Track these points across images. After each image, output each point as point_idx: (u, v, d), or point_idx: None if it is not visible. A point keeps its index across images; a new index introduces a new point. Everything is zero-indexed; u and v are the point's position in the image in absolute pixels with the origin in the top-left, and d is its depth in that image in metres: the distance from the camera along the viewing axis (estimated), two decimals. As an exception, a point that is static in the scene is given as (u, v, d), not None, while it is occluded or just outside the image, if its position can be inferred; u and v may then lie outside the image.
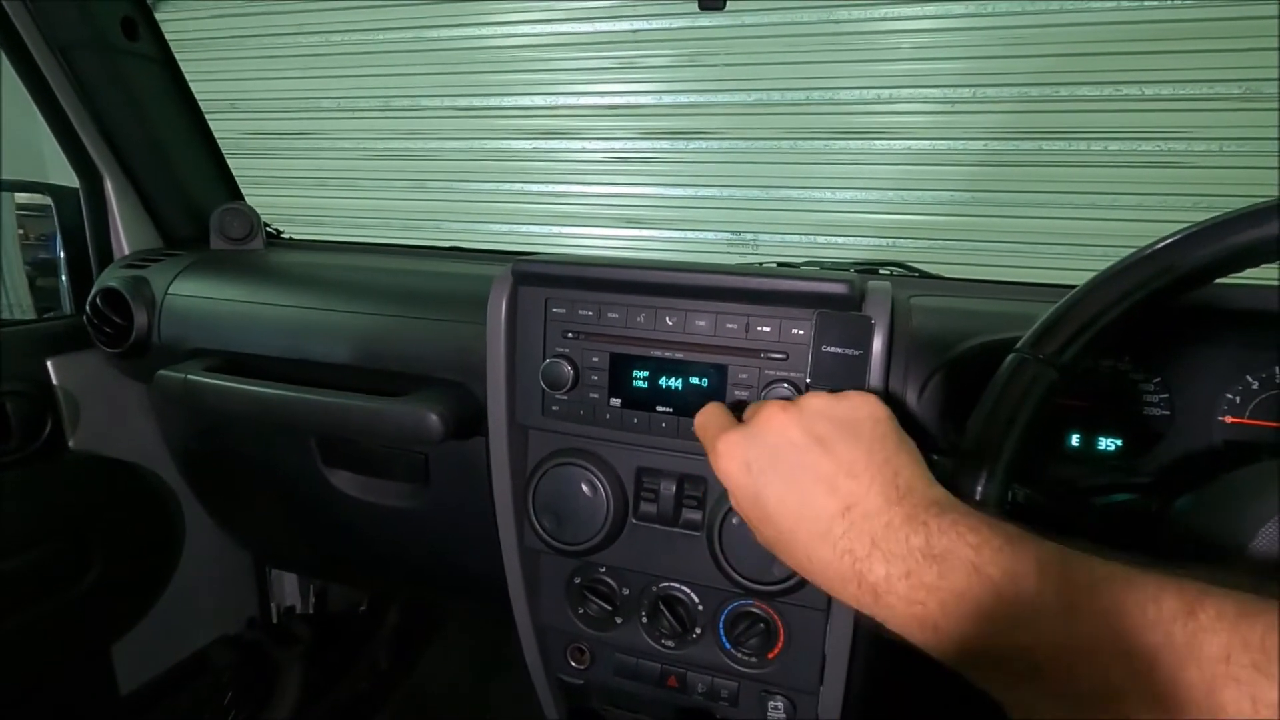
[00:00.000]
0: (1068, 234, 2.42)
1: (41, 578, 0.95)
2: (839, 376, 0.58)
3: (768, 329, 0.61)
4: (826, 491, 0.37)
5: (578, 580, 0.74)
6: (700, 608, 0.70)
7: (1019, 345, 0.43)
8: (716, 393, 0.63)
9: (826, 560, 0.36)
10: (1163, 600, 0.27)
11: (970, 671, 0.31)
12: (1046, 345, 0.41)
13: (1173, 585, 0.27)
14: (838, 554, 0.36)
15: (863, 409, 0.41)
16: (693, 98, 2.73)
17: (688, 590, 0.70)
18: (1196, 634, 0.25)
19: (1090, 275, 0.43)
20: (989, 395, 0.42)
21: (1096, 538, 0.47)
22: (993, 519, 0.33)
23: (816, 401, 0.41)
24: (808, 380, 0.58)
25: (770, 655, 0.68)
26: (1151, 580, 0.28)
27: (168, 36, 1.04)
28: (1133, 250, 0.42)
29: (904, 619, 0.34)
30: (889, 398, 0.61)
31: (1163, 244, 0.40)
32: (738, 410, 0.48)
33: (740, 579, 0.63)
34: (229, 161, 1.17)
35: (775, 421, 0.41)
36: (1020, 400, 0.41)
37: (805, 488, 0.38)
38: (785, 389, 0.59)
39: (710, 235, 2.83)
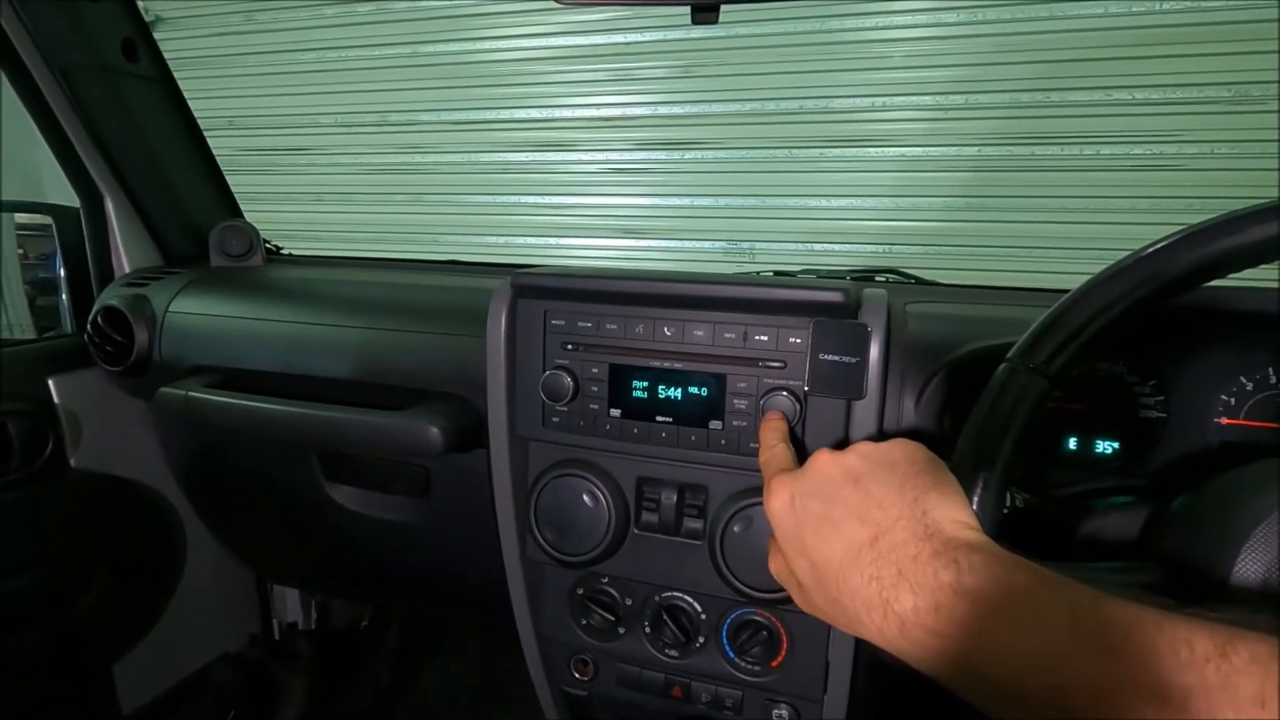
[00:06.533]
0: (1061, 238, 2.43)
1: (43, 597, 0.95)
2: (837, 384, 0.58)
3: (765, 338, 0.61)
4: (858, 522, 0.39)
5: (580, 591, 0.74)
6: (703, 617, 0.70)
7: (1010, 355, 0.43)
8: (715, 402, 0.63)
9: (855, 587, 0.37)
10: (1195, 642, 0.27)
11: (994, 708, 0.32)
12: (1036, 354, 0.42)
13: (1204, 628, 0.27)
14: (865, 580, 0.37)
15: (898, 449, 0.43)
16: (688, 108, 2.74)
17: (690, 599, 0.70)
18: (1230, 676, 0.26)
19: (1084, 279, 0.43)
20: (982, 405, 0.43)
21: (1094, 540, 0.48)
22: (1023, 560, 0.34)
23: (859, 445, 0.44)
24: (805, 388, 0.59)
25: (774, 663, 0.68)
26: (1183, 623, 0.28)
27: (166, 56, 1.05)
28: (1124, 254, 0.42)
29: (930, 654, 0.34)
30: (885, 404, 0.62)
31: (1147, 251, 0.41)
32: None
33: (742, 587, 0.64)
34: (227, 178, 1.18)
35: (819, 461, 0.44)
36: (1012, 410, 0.41)
37: (839, 519, 0.40)
38: (784, 397, 0.60)
39: (707, 244, 2.84)
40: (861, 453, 0.43)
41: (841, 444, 0.61)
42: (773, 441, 0.52)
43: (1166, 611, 0.29)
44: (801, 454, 0.50)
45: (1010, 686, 0.31)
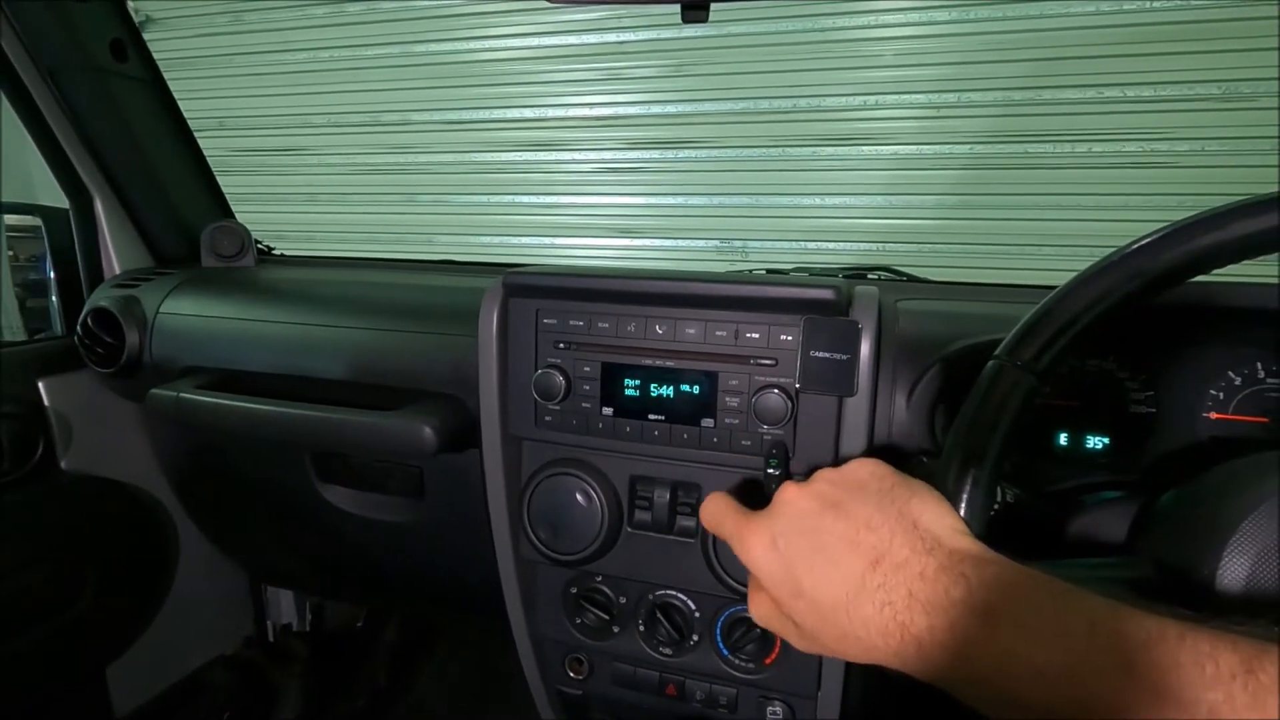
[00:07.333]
0: (1053, 235, 2.43)
1: (35, 601, 0.95)
2: (828, 381, 0.58)
3: (757, 335, 0.61)
4: (850, 549, 0.38)
5: (574, 590, 0.74)
6: (697, 615, 0.70)
7: (997, 352, 0.43)
8: (708, 400, 0.63)
9: (867, 616, 0.36)
10: (1220, 658, 0.26)
11: (1002, 714, 0.31)
12: (1023, 352, 0.42)
13: (1228, 643, 0.27)
14: (878, 607, 0.35)
15: (862, 469, 0.42)
16: (680, 107, 2.74)
17: (684, 597, 0.70)
18: (1259, 694, 0.25)
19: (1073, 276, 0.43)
20: (970, 402, 0.43)
21: (1085, 535, 0.48)
22: (1034, 572, 0.33)
23: (821, 473, 0.43)
24: (797, 385, 0.59)
25: (767, 661, 0.68)
26: (1205, 637, 0.27)
27: (156, 57, 1.05)
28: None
29: (944, 669, 0.33)
30: (876, 401, 0.62)
31: (1131, 248, 0.41)
32: (741, 494, 0.50)
33: (735, 584, 0.64)
34: (219, 179, 1.17)
35: (788, 496, 0.43)
36: (1000, 406, 0.41)
37: (831, 550, 0.38)
38: (775, 394, 0.60)
39: (700, 243, 2.84)
40: (828, 479, 0.42)
41: (832, 441, 0.61)
42: (714, 504, 0.48)
43: (1187, 625, 0.28)
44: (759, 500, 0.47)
45: (1025, 698, 0.30)
